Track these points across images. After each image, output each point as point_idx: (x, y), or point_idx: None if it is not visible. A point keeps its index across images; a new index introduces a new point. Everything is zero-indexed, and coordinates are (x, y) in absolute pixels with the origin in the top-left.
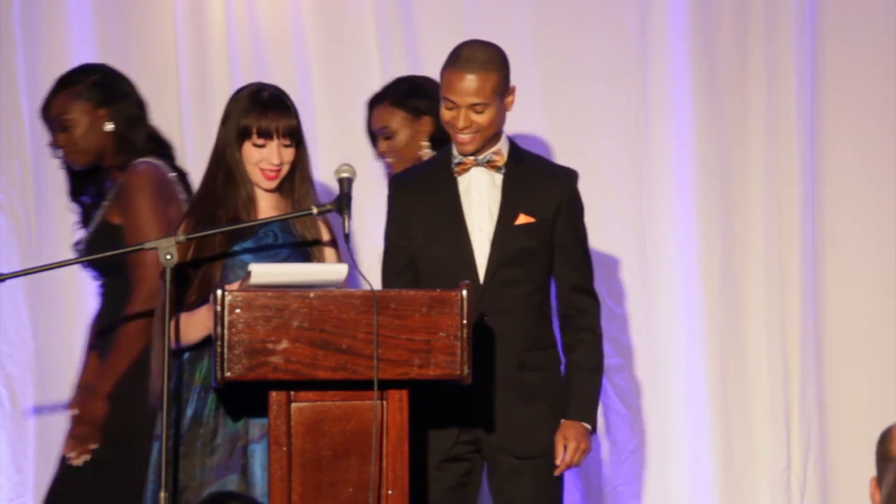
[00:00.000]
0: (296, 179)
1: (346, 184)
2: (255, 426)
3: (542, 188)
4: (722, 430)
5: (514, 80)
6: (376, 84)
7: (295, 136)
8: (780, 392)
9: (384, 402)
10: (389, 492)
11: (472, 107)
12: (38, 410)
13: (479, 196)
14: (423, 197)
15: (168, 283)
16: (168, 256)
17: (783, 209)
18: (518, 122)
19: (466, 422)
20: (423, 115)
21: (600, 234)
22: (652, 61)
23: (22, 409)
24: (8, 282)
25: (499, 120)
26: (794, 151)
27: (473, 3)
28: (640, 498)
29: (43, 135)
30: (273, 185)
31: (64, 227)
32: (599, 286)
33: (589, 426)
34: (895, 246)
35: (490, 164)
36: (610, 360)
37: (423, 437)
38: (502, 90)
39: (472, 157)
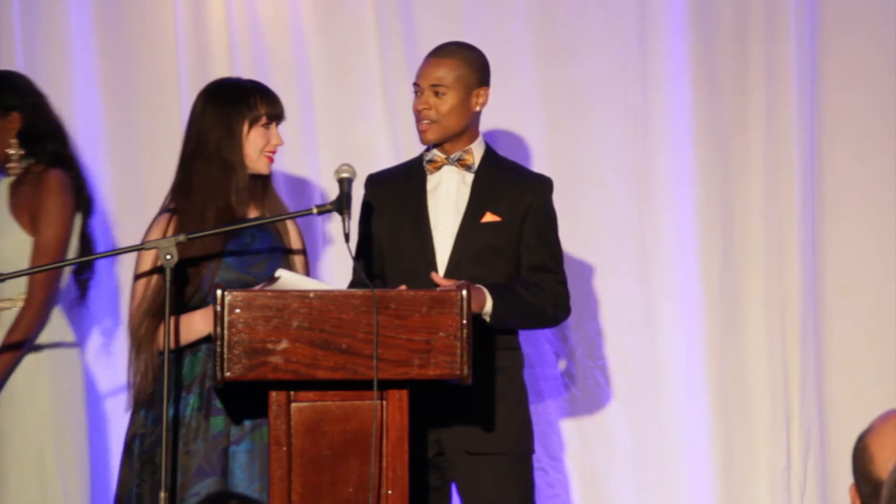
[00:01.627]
0: None
1: (345, 184)
2: (236, 427)
3: (514, 191)
4: (722, 430)
5: (514, 79)
6: (376, 84)
7: (280, 122)
8: (780, 392)
9: (384, 402)
10: (389, 492)
11: (432, 88)
12: None
13: (447, 193)
14: (392, 193)
15: (168, 283)
16: (168, 256)
17: (783, 209)
18: (518, 122)
19: (429, 422)
20: (11, 111)
21: (600, 235)
22: (652, 61)
23: None
24: (8, 282)
25: (461, 113)
26: (793, 151)
27: (473, 3)
28: (639, 498)
29: None
30: (271, 168)
31: None
32: (599, 286)
33: (489, 305)
34: (895, 246)
35: (461, 163)
36: (609, 360)
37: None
38: (469, 84)
39: (443, 156)
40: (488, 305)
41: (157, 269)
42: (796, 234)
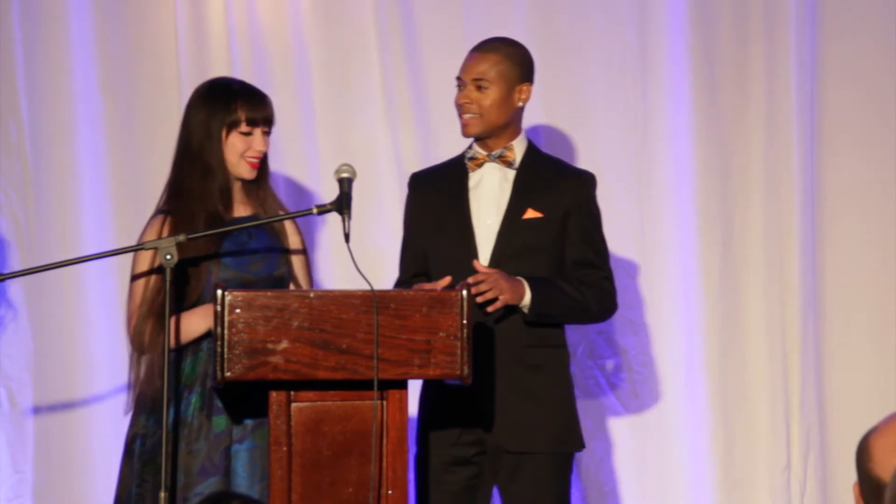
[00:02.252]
0: (262, 171)
1: (345, 184)
2: (238, 427)
3: (556, 187)
4: (722, 430)
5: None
6: (376, 84)
7: (271, 125)
8: (780, 392)
9: (384, 402)
10: (389, 492)
11: (474, 82)
12: (37, 411)
13: (489, 190)
14: (434, 191)
15: (168, 283)
16: (168, 256)
17: (783, 209)
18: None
19: (468, 422)
20: None
21: None
22: (652, 61)
23: (21, 410)
24: (7, 282)
25: (503, 108)
26: (794, 151)
27: (473, 3)
28: (640, 498)
29: (43, 135)
30: (255, 174)
31: (64, 227)
32: None
33: (528, 297)
34: (895, 246)
35: (502, 160)
36: (610, 360)
37: (429, 439)
38: (511, 79)
39: (484, 153)
40: (527, 298)
41: (156, 270)
42: (796, 234)
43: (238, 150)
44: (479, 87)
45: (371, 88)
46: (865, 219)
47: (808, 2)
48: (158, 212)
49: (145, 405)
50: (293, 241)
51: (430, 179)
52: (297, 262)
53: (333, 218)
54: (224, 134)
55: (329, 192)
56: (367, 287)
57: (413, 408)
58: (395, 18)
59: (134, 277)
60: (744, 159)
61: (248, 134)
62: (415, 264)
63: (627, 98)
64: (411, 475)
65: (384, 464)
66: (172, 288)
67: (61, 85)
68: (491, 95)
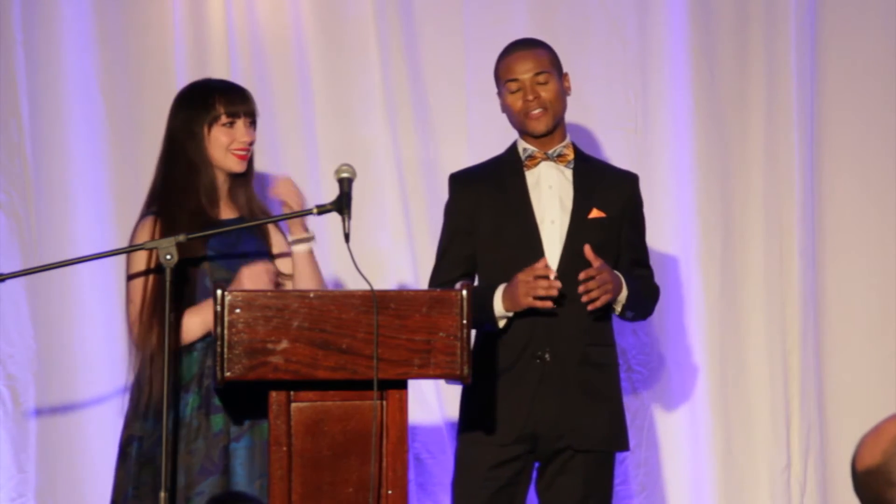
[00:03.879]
0: (247, 171)
1: (345, 184)
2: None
3: (611, 186)
4: (722, 430)
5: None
6: (376, 84)
7: (255, 119)
8: (780, 392)
9: (384, 402)
10: (389, 492)
11: (535, 78)
12: (40, 411)
13: (550, 189)
14: (488, 191)
15: (168, 283)
16: (168, 256)
17: (783, 209)
18: None
19: (525, 420)
20: None
21: None
22: (652, 61)
23: (23, 410)
24: (9, 282)
25: (562, 98)
26: (794, 151)
27: (473, 3)
28: (639, 498)
29: (43, 135)
30: (244, 166)
31: (64, 226)
32: None
33: (625, 293)
34: (895, 246)
35: (560, 159)
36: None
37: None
38: (559, 68)
39: (541, 152)
40: (624, 292)
41: (152, 270)
42: (796, 235)
43: (222, 144)
44: (540, 81)
45: (371, 88)
46: (865, 219)
47: (808, 2)
48: (147, 213)
49: (140, 407)
50: (278, 244)
51: (477, 179)
52: (284, 265)
53: (333, 218)
54: (206, 131)
55: (329, 192)
56: (367, 287)
57: (411, 408)
58: (395, 18)
59: (130, 278)
60: (744, 159)
61: (230, 125)
62: (462, 264)
63: (627, 98)
64: (411, 474)
65: (384, 464)
66: (172, 288)
67: (61, 85)
68: (552, 86)
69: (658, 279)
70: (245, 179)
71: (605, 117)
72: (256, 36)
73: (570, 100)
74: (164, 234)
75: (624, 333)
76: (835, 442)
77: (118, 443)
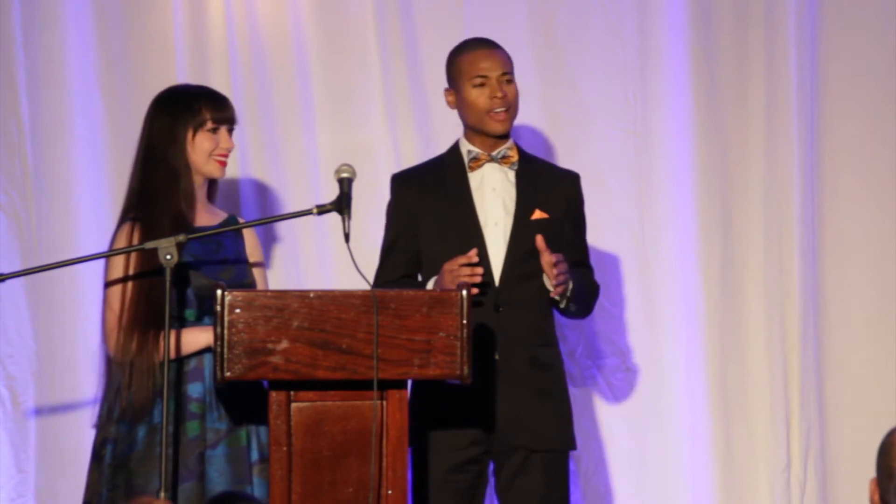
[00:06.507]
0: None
1: (345, 184)
2: (212, 431)
3: (553, 187)
4: (722, 430)
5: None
6: (376, 85)
7: (234, 125)
8: (780, 392)
9: (384, 402)
10: (389, 492)
11: (502, 77)
12: (40, 411)
13: (493, 191)
14: (430, 192)
15: (168, 284)
16: (168, 256)
17: (783, 209)
18: (517, 121)
19: (478, 422)
20: None
21: (599, 235)
22: (651, 62)
23: (23, 410)
24: (8, 282)
25: (518, 101)
26: (794, 151)
27: (473, 3)
28: (639, 498)
29: (43, 135)
30: (224, 172)
31: (64, 227)
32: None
33: (571, 286)
34: (895, 246)
35: (504, 160)
36: (608, 359)
37: (431, 439)
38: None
39: (486, 154)
40: (570, 286)
41: (131, 277)
42: (796, 234)
43: (206, 150)
44: (507, 81)
45: (371, 88)
46: (865, 218)
47: (808, 2)
48: (125, 219)
49: (116, 411)
50: (252, 253)
51: (418, 179)
52: (258, 274)
53: (333, 218)
54: (190, 135)
55: (329, 192)
56: (367, 287)
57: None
58: (395, 18)
59: (108, 285)
60: (744, 159)
61: (213, 132)
62: (405, 266)
63: (627, 98)
64: (410, 475)
65: (384, 464)
66: (165, 292)
67: (61, 86)
68: (514, 89)
69: (657, 279)
70: (216, 185)
71: (604, 117)
72: (256, 36)
73: (569, 99)
74: (144, 240)
75: (624, 333)
76: (835, 442)
77: (92, 444)
